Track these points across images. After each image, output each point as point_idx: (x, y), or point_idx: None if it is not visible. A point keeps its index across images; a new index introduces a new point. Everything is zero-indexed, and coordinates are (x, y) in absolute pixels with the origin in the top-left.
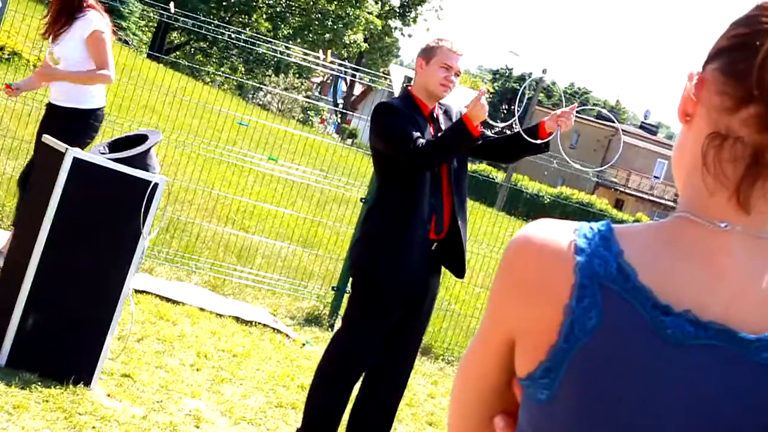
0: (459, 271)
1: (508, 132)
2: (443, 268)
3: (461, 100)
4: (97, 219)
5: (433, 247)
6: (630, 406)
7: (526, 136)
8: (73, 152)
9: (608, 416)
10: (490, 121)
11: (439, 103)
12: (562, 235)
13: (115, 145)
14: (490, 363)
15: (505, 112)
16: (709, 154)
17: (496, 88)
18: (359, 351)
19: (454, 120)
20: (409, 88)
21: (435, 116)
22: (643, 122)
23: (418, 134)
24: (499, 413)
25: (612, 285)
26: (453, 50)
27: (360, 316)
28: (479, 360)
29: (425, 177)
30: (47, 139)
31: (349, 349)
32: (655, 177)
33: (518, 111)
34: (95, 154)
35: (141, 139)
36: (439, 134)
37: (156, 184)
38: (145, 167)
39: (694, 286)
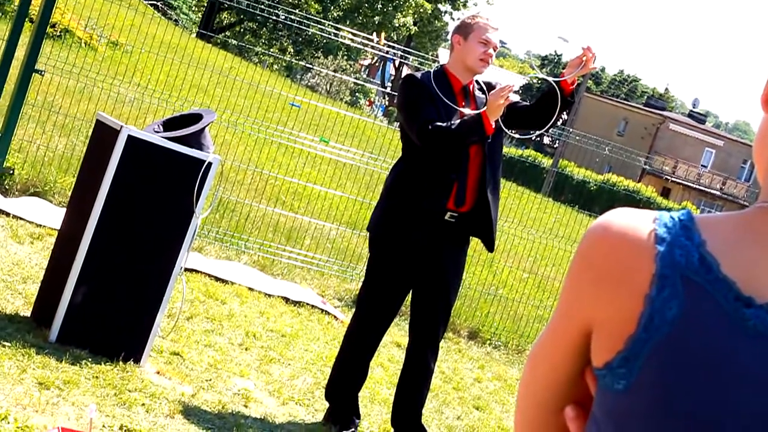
0: (488, 244)
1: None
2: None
3: (506, 82)
4: (150, 197)
5: (447, 217)
6: (708, 397)
7: (550, 79)
8: (128, 130)
9: (685, 406)
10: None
11: (477, 81)
12: (641, 223)
13: (170, 124)
14: (564, 352)
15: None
16: None
17: (545, 73)
18: (368, 316)
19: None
20: (444, 65)
21: (470, 91)
22: (691, 111)
23: (433, 117)
24: (571, 403)
25: (694, 276)
26: (490, 25)
27: (368, 281)
28: (552, 349)
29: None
30: (102, 116)
31: (359, 315)
32: (702, 166)
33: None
34: (149, 132)
35: (195, 118)
36: (456, 122)
37: (210, 163)
38: (200, 146)
39: None
